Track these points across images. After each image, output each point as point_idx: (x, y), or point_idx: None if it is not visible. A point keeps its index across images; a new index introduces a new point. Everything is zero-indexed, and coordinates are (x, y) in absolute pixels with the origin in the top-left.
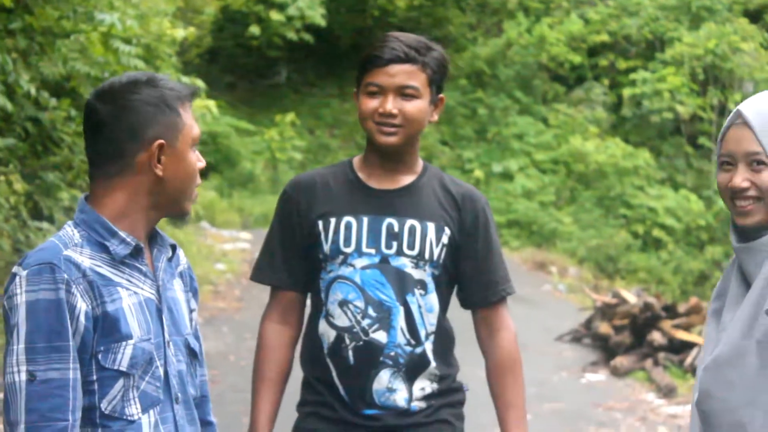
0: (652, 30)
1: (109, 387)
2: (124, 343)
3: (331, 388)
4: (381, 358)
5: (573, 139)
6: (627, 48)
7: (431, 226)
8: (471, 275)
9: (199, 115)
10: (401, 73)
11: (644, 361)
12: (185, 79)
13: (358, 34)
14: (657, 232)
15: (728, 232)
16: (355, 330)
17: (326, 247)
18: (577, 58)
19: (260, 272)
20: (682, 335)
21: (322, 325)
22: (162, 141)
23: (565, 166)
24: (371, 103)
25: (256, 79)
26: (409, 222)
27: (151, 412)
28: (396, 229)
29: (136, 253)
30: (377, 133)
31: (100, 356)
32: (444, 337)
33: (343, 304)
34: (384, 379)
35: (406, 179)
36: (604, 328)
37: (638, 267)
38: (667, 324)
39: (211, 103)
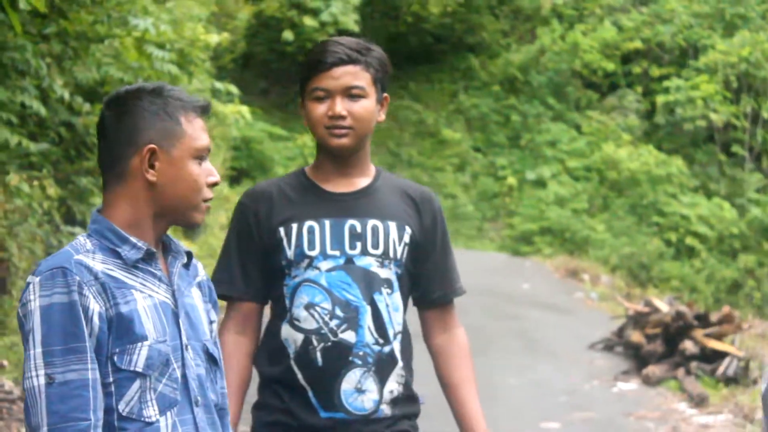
0: (686, 37)
1: (126, 388)
2: (139, 344)
3: (297, 393)
4: (350, 358)
5: (606, 146)
6: (660, 55)
7: (393, 226)
8: (430, 274)
9: (233, 120)
10: (346, 75)
11: (676, 371)
12: (219, 85)
13: (392, 40)
14: (690, 240)
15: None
16: (323, 331)
17: (290, 253)
18: (610, 66)
19: (218, 285)
20: (714, 344)
21: (286, 330)
22: (153, 146)
23: (598, 174)
24: (320, 108)
25: (290, 85)
26: (371, 222)
27: (169, 414)
28: (359, 229)
29: (149, 257)
30: (329, 137)
31: (115, 357)
32: (407, 338)
33: (310, 306)
34: (353, 378)
35: (362, 182)
36: (636, 336)
37: (671, 275)
38: (699, 333)
39: (245, 109)
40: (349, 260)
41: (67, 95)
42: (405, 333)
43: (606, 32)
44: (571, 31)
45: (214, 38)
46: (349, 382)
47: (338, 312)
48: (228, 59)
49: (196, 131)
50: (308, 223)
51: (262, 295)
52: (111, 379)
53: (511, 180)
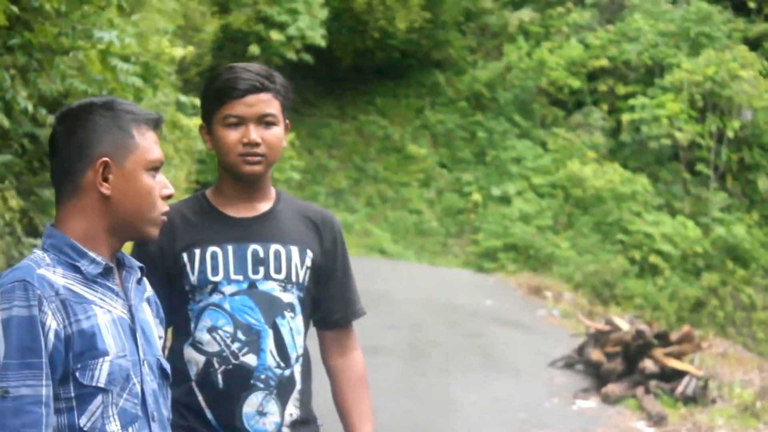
0: (652, 56)
1: (88, 404)
2: (101, 359)
3: (198, 414)
4: (252, 381)
5: (571, 163)
6: (626, 73)
7: (295, 250)
8: (331, 297)
9: (197, 134)
10: (259, 102)
11: (635, 389)
12: (184, 98)
13: (359, 56)
14: (653, 259)
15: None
16: (224, 354)
17: (193, 278)
18: (576, 83)
19: None
20: (673, 363)
21: (189, 353)
22: (106, 159)
23: (563, 191)
24: (232, 135)
25: None
26: (274, 247)
27: (130, 429)
28: (261, 254)
29: (106, 272)
30: (242, 164)
31: (77, 374)
32: (307, 361)
33: (212, 330)
34: (255, 402)
35: (264, 206)
36: (596, 354)
37: (634, 293)
38: (659, 352)
39: None
40: (252, 285)
41: (31, 107)
42: (306, 356)
43: (572, 50)
44: (538, 49)
45: (179, 51)
46: (250, 405)
47: (240, 335)
48: (194, 72)
49: (149, 144)
50: (211, 248)
51: (167, 319)
52: (72, 395)
53: (476, 196)
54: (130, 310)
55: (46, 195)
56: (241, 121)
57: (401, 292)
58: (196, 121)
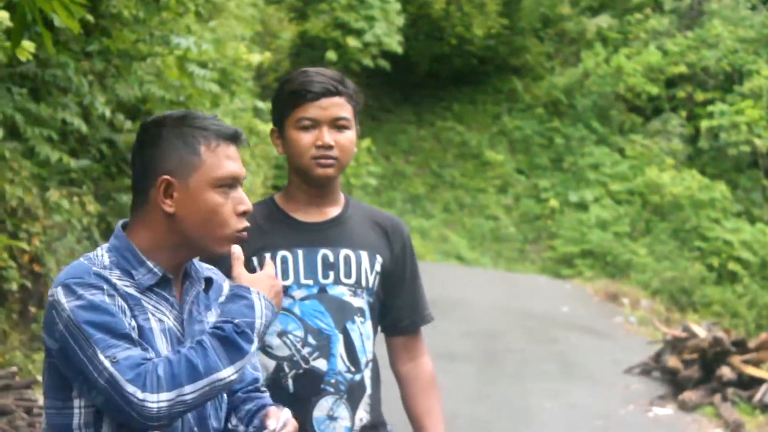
0: (731, 62)
1: None
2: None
3: None
4: (322, 386)
5: (649, 170)
6: (705, 80)
7: (364, 255)
8: (400, 303)
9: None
10: (333, 106)
11: (713, 396)
12: (261, 104)
13: (435, 62)
14: (732, 266)
15: None
16: (295, 358)
17: None
18: (654, 89)
19: None
20: (751, 371)
21: (259, 357)
22: (167, 177)
23: (641, 197)
24: (306, 138)
25: None
26: (344, 252)
27: None
28: (331, 259)
29: (164, 283)
30: (316, 167)
31: None
32: (377, 366)
33: (282, 334)
34: (325, 406)
35: (333, 211)
36: (673, 361)
37: (713, 300)
38: (736, 359)
39: None
40: (323, 289)
41: (108, 112)
42: (375, 361)
43: (650, 56)
44: (616, 55)
45: (256, 57)
46: (320, 409)
47: (310, 340)
48: (271, 78)
49: (218, 160)
50: (281, 252)
51: None
52: None
53: (554, 202)
54: (182, 324)
55: (123, 200)
56: (314, 124)
57: (477, 298)
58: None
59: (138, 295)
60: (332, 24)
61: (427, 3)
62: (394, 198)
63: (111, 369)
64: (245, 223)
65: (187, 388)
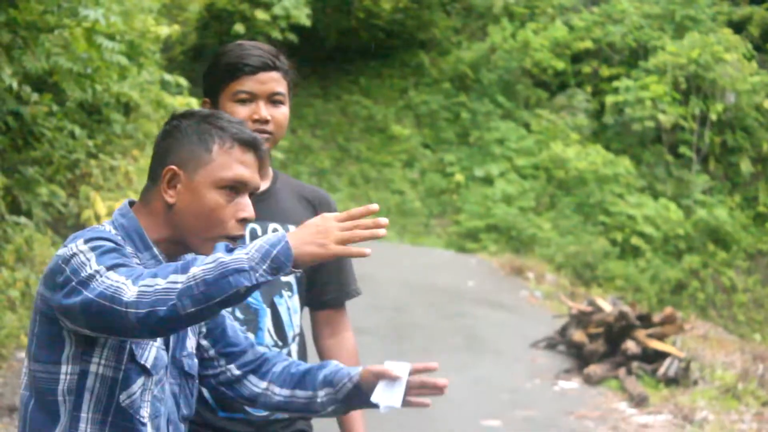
0: (636, 38)
1: (132, 382)
2: (151, 342)
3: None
4: None
5: (554, 145)
6: (610, 55)
7: (292, 229)
8: (326, 277)
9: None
10: (270, 81)
11: (617, 370)
12: (168, 77)
13: (343, 35)
14: (635, 240)
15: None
16: None
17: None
18: (560, 65)
19: None
20: (655, 345)
21: None
22: (174, 168)
23: (546, 172)
24: (243, 111)
25: None
26: (272, 225)
27: (155, 422)
28: (260, 233)
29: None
30: None
31: (134, 347)
32: (303, 340)
33: None
34: None
35: (262, 185)
36: (578, 335)
37: (615, 275)
38: (641, 333)
39: (194, 101)
40: None
41: (15, 84)
42: (302, 335)
43: (557, 31)
44: (522, 30)
45: (164, 30)
46: None
47: (238, 314)
48: (178, 51)
49: (230, 162)
50: None
51: None
52: (122, 368)
53: (459, 177)
54: None
55: (29, 173)
56: (251, 98)
57: (383, 272)
58: (180, 100)
59: None
60: None
61: None
62: (300, 172)
63: (118, 277)
64: (242, 231)
65: (157, 279)
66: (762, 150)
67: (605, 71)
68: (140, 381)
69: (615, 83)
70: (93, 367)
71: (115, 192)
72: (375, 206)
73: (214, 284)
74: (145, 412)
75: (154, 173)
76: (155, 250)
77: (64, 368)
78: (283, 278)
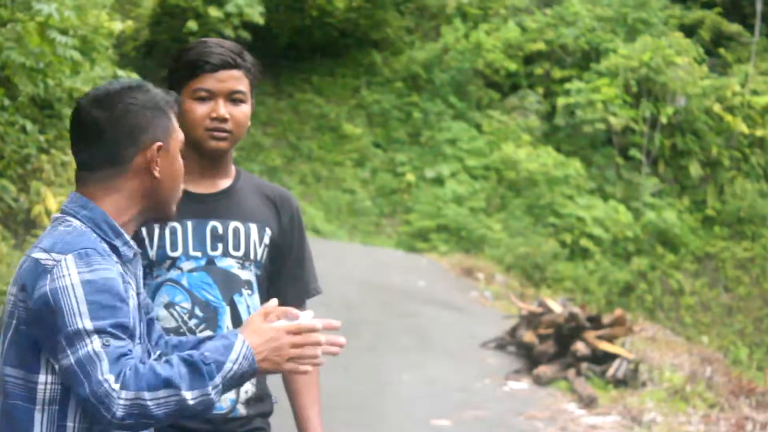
0: (588, 41)
1: None
2: (137, 340)
3: None
4: None
5: (505, 146)
6: (563, 57)
7: (254, 227)
8: (287, 274)
9: None
10: (230, 79)
11: (567, 371)
12: (121, 72)
13: (296, 33)
14: (585, 242)
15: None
16: (181, 330)
17: (152, 253)
18: (512, 66)
19: None
20: (605, 346)
21: None
22: (160, 143)
23: (497, 173)
24: (201, 109)
25: None
26: (233, 224)
27: None
28: (220, 231)
29: (135, 257)
30: (208, 139)
31: None
32: None
33: (170, 306)
34: None
35: (224, 183)
36: (528, 336)
37: (565, 276)
38: (590, 335)
39: None
40: (211, 261)
41: None
42: None
43: (509, 32)
44: (475, 31)
45: (117, 25)
46: None
47: (197, 312)
48: (131, 47)
49: (177, 125)
50: (171, 224)
51: None
52: None
53: (410, 177)
54: (139, 297)
55: None
56: (210, 96)
57: (334, 271)
58: None
59: (122, 272)
60: None
61: None
62: (251, 169)
63: (100, 349)
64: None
65: (147, 394)
66: (711, 154)
67: (557, 73)
68: None
69: (567, 85)
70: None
71: (66, 187)
72: (337, 323)
73: (189, 409)
74: None
75: (121, 156)
76: (126, 236)
77: (42, 378)
78: (244, 276)
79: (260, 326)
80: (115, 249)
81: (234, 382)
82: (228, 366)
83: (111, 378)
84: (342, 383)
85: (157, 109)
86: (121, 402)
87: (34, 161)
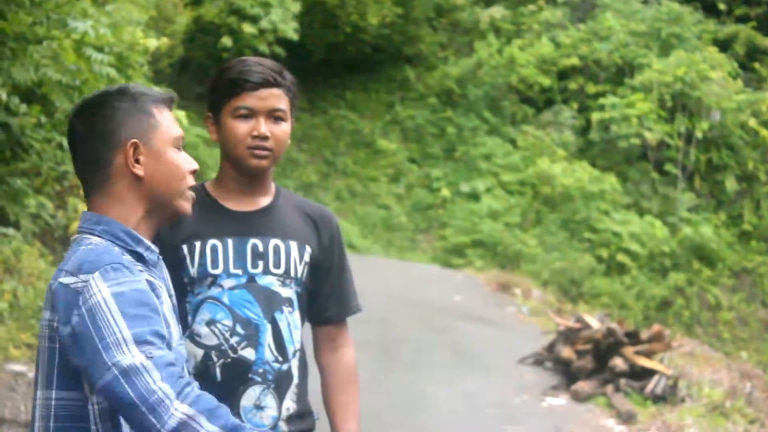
0: (622, 55)
1: None
2: (174, 345)
3: None
4: (249, 375)
5: (540, 161)
6: (597, 72)
7: (294, 245)
8: (327, 292)
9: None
10: (271, 97)
11: (605, 387)
12: (156, 89)
13: (330, 50)
14: (621, 257)
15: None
16: (223, 347)
17: (193, 271)
18: (546, 81)
19: None
20: (643, 362)
21: (186, 345)
22: (135, 140)
23: (532, 188)
24: (243, 127)
25: None
26: (273, 242)
27: None
28: (261, 249)
29: (159, 260)
30: (250, 157)
31: None
32: (304, 356)
33: (211, 323)
34: (252, 395)
35: (264, 201)
36: (566, 352)
37: (601, 291)
38: (629, 350)
39: (181, 114)
40: (251, 279)
41: (4, 95)
42: (302, 351)
43: (543, 48)
44: (509, 46)
45: (152, 42)
46: (248, 398)
47: (239, 329)
48: (165, 63)
49: (169, 121)
50: (211, 241)
51: None
52: None
53: (445, 192)
54: (171, 300)
55: (17, 184)
56: (251, 114)
57: (370, 286)
58: None
59: (152, 278)
60: (227, 10)
61: None
62: (286, 186)
63: (144, 359)
64: (193, 181)
65: (203, 420)
66: (747, 168)
67: (591, 88)
68: None
69: (601, 100)
70: None
71: None
72: None
73: None
74: None
75: (102, 162)
76: (146, 242)
77: (94, 397)
78: (284, 294)
79: None
80: (139, 256)
81: None
82: None
83: (166, 387)
84: (379, 399)
85: (133, 109)
86: (178, 414)
87: (71, 178)
